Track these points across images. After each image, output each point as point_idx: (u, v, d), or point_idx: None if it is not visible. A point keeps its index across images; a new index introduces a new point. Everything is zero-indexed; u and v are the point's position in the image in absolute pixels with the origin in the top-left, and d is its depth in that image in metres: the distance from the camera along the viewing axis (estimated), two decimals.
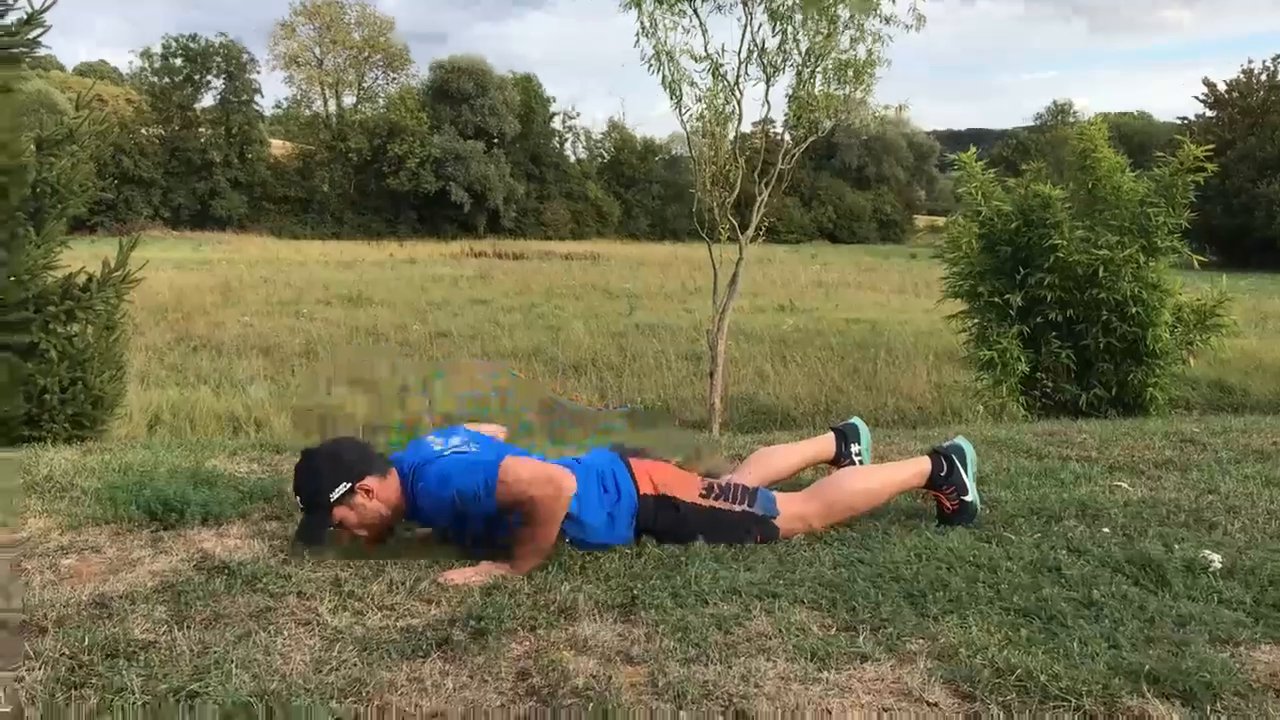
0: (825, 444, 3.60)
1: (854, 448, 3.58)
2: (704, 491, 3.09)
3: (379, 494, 2.90)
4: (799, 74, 10.81)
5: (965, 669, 2.11)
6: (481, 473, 2.79)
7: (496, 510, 2.78)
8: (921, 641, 2.27)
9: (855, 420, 3.70)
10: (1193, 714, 1.95)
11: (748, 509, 3.06)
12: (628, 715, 1.90)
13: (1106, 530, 3.11)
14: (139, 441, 5.52)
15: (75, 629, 2.27)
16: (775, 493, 3.17)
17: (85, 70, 66.40)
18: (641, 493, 3.02)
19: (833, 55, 10.65)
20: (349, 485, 2.85)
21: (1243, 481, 3.74)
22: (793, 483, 3.50)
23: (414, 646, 2.23)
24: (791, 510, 3.10)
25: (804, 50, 10.67)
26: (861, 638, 2.30)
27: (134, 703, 1.93)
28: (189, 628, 2.31)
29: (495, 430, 3.50)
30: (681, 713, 1.92)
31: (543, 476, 2.78)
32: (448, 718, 1.93)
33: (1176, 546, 2.89)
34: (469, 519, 2.84)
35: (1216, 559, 2.76)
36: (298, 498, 2.92)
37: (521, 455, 2.99)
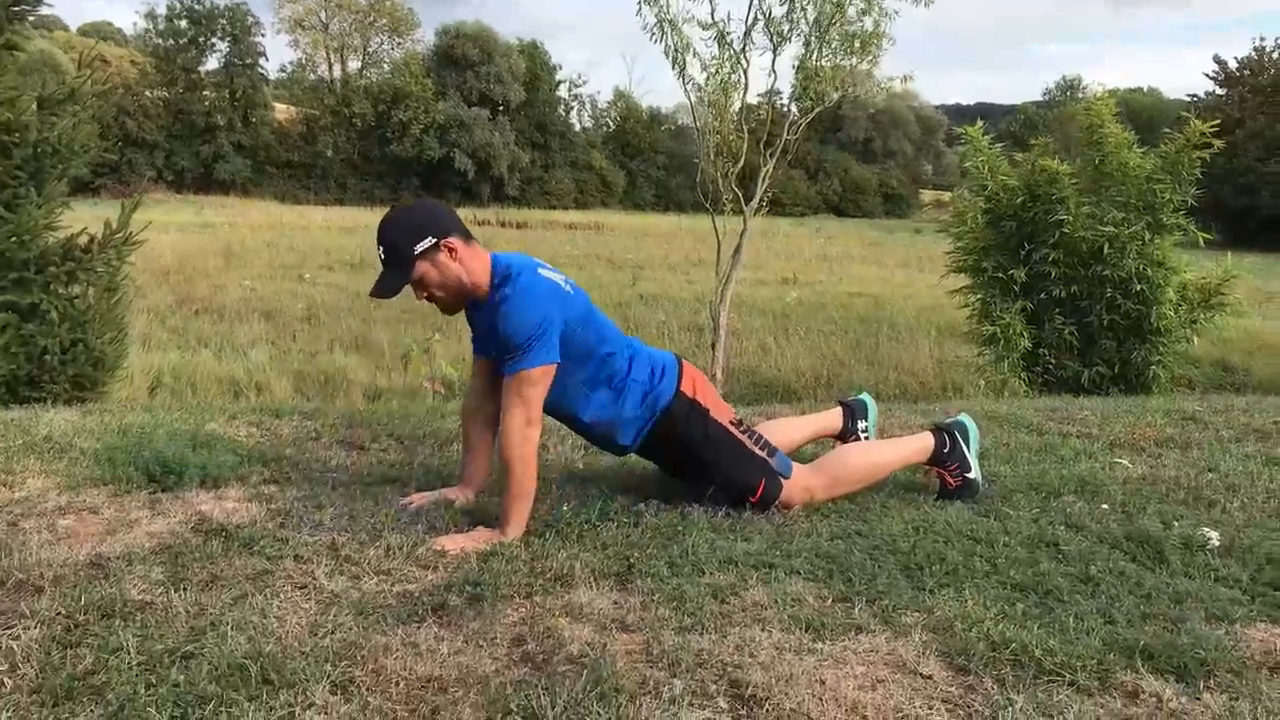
0: (833, 418, 3.60)
1: (861, 424, 3.58)
2: (735, 422, 3.15)
3: (462, 257, 2.87)
4: (806, 44, 10.73)
5: (960, 642, 2.11)
6: (530, 342, 2.79)
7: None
8: (917, 614, 2.28)
9: (864, 396, 3.70)
10: (1186, 690, 1.95)
11: (766, 457, 3.10)
12: (622, 683, 1.90)
13: (1105, 507, 3.11)
14: (139, 404, 5.53)
15: (72, 589, 2.27)
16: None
17: (88, 31, 66.08)
18: (681, 389, 3.09)
19: (840, 25, 10.56)
20: (434, 240, 2.83)
21: (1243, 460, 3.74)
22: (795, 456, 3.50)
23: (410, 611, 2.24)
24: (798, 481, 3.11)
25: (811, 20, 10.59)
26: (857, 609, 2.30)
27: (129, 663, 1.94)
28: (185, 589, 2.32)
29: None
30: (676, 681, 1.93)
31: (531, 404, 2.80)
32: (442, 682, 1.93)
33: (1175, 524, 2.89)
34: (500, 346, 2.86)
35: (1214, 537, 2.76)
36: (380, 249, 2.86)
37: (601, 323, 3.03)
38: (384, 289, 2.86)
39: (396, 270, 2.85)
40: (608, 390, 3.03)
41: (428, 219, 2.88)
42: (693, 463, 3.10)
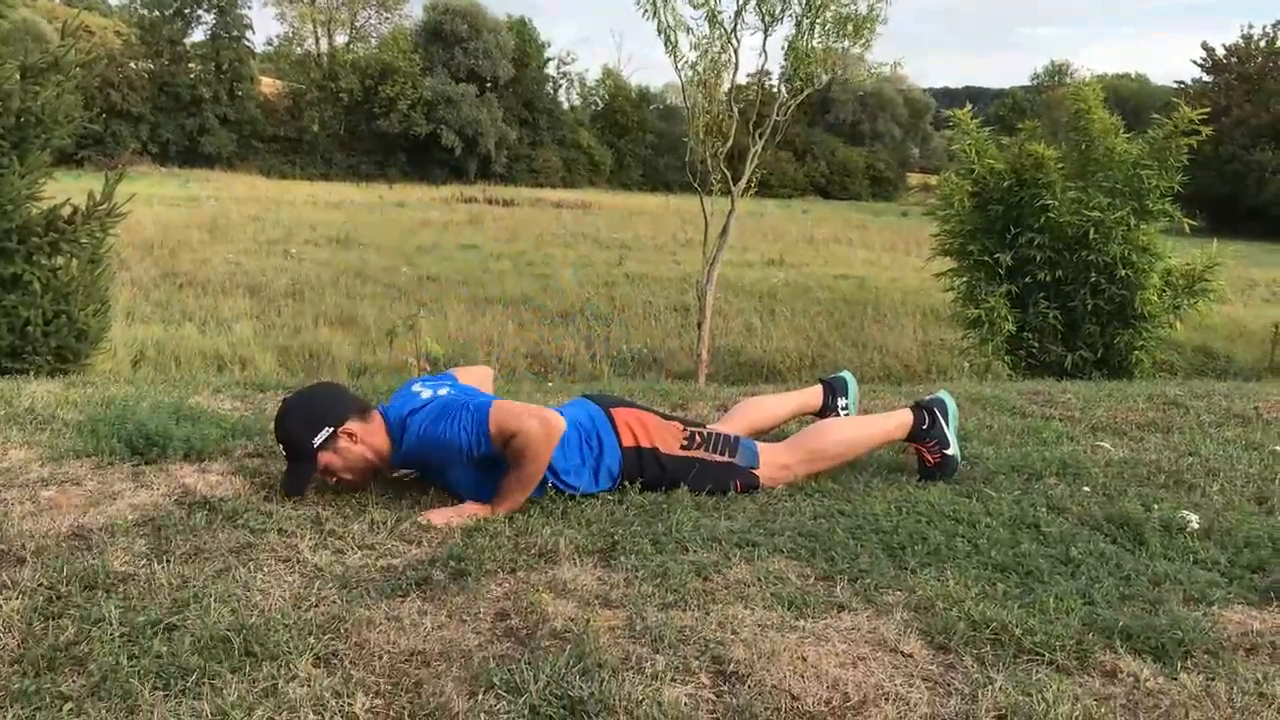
0: (813, 396, 3.60)
1: (841, 401, 3.58)
2: (685, 442, 3.08)
3: (363, 438, 2.87)
4: (798, 24, 10.70)
5: (941, 621, 2.12)
6: (473, 412, 2.78)
7: (490, 448, 2.76)
8: (899, 593, 2.29)
9: (844, 374, 3.70)
10: (1164, 670, 1.97)
11: (729, 459, 3.07)
12: (604, 658, 1.91)
13: (1087, 489, 3.13)
14: (122, 376, 5.50)
15: (54, 560, 2.27)
16: (758, 443, 3.17)
17: (73, 0, 65.34)
18: (624, 445, 3.01)
19: (833, 7, 10.54)
20: (331, 430, 2.82)
21: (1223, 445, 3.76)
22: (777, 434, 3.51)
23: (394, 586, 2.24)
24: (774, 459, 3.11)
25: (803, 1, 10.56)
26: (839, 588, 2.31)
27: (111, 634, 1.93)
28: (168, 561, 2.31)
29: (483, 373, 3.49)
30: (658, 657, 1.93)
31: (534, 411, 2.78)
32: (426, 656, 1.93)
33: (1155, 507, 2.91)
34: (456, 466, 2.83)
35: (1194, 520, 2.78)
36: (280, 446, 2.88)
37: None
38: (292, 486, 2.83)
39: (300, 465, 2.83)
40: (556, 481, 2.91)
41: (323, 409, 2.88)
42: (669, 487, 3.02)
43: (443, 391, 3.03)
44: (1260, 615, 2.24)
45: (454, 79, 55.41)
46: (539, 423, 2.73)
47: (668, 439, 3.07)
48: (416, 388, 3.09)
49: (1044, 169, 9.10)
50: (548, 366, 11.67)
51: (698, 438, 3.10)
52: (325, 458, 2.83)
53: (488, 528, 2.61)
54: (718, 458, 3.06)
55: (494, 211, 33.90)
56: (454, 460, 2.82)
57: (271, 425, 2.95)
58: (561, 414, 3.00)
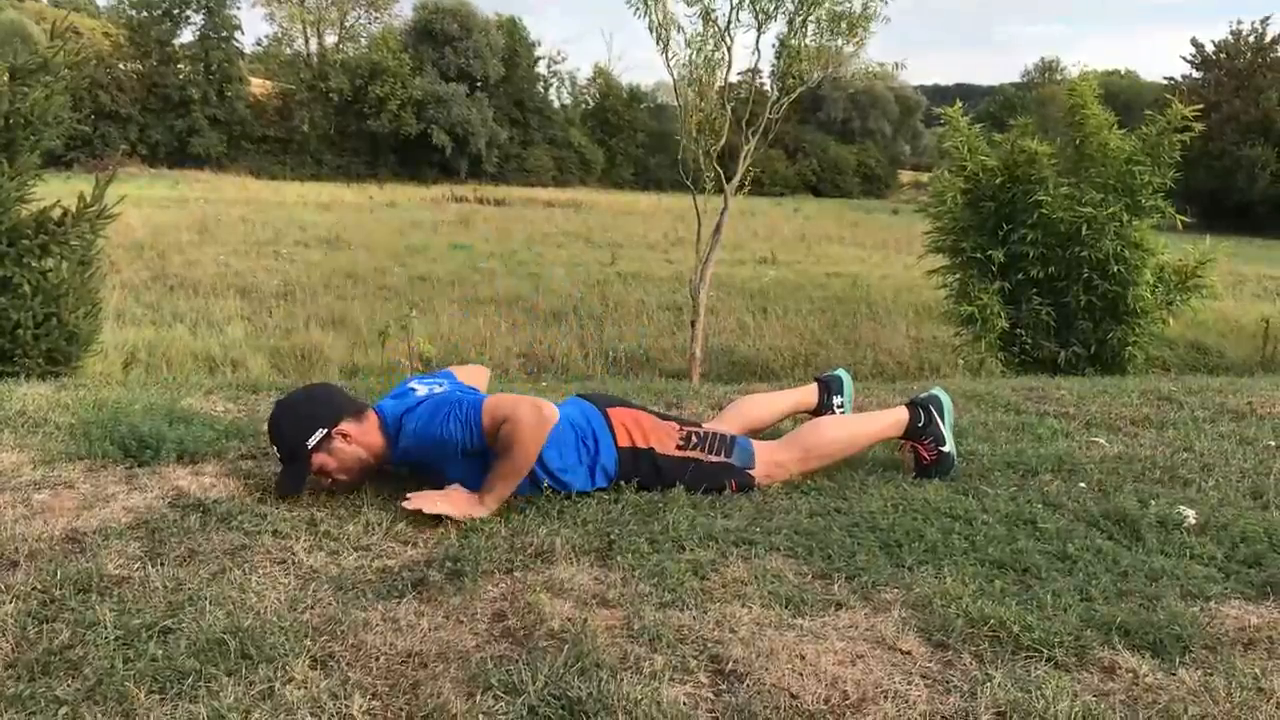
0: (808, 394, 3.59)
1: (836, 399, 3.58)
2: (681, 442, 3.07)
3: (357, 438, 2.86)
4: (790, 23, 10.70)
5: (939, 618, 2.12)
6: (467, 407, 2.77)
7: (484, 441, 2.75)
8: (896, 591, 2.29)
9: (840, 371, 3.69)
10: (1162, 665, 1.97)
11: (725, 459, 3.06)
12: (602, 658, 1.90)
13: (1082, 485, 3.13)
14: (114, 379, 5.48)
15: (47, 563, 2.26)
16: (754, 441, 3.17)
17: (61, 1, 65.07)
18: (620, 445, 3.01)
19: (826, 5, 10.54)
20: (325, 431, 2.81)
21: (1218, 440, 3.77)
22: (772, 432, 3.50)
23: (389, 587, 2.23)
24: (770, 458, 3.10)
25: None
26: (836, 586, 2.31)
27: (106, 637, 1.92)
28: (163, 564, 2.30)
29: (480, 372, 3.48)
30: (656, 656, 1.93)
31: (528, 399, 2.76)
32: (423, 657, 1.92)
33: (1151, 502, 2.91)
34: (453, 462, 2.83)
35: (1190, 515, 2.78)
36: (274, 449, 2.87)
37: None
38: (285, 489, 2.83)
39: (294, 466, 2.82)
40: (551, 480, 2.90)
41: (316, 410, 2.87)
42: (665, 486, 3.01)
43: (438, 389, 3.02)
44: (1257, 610, 2.24)
45: (444, 78, 55.34)
46: (530, 408, 2.72)
47: (664, 439, 3.06)
48: (413, 385, 3.09)
49: (1037, 165, 9.11)
50: (540, 366, 11.65)
51: (694, 437, 3.09)
52: (320, 459, 2.82)
53: (483, 528, 2.61)
54: (714, 458, 3.06)
55: (485, 211, 33.86)
56: (450, 456, 2.81)
57: (265, 427, 2.94)
58: (559, 418, 2.99)
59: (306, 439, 2.79)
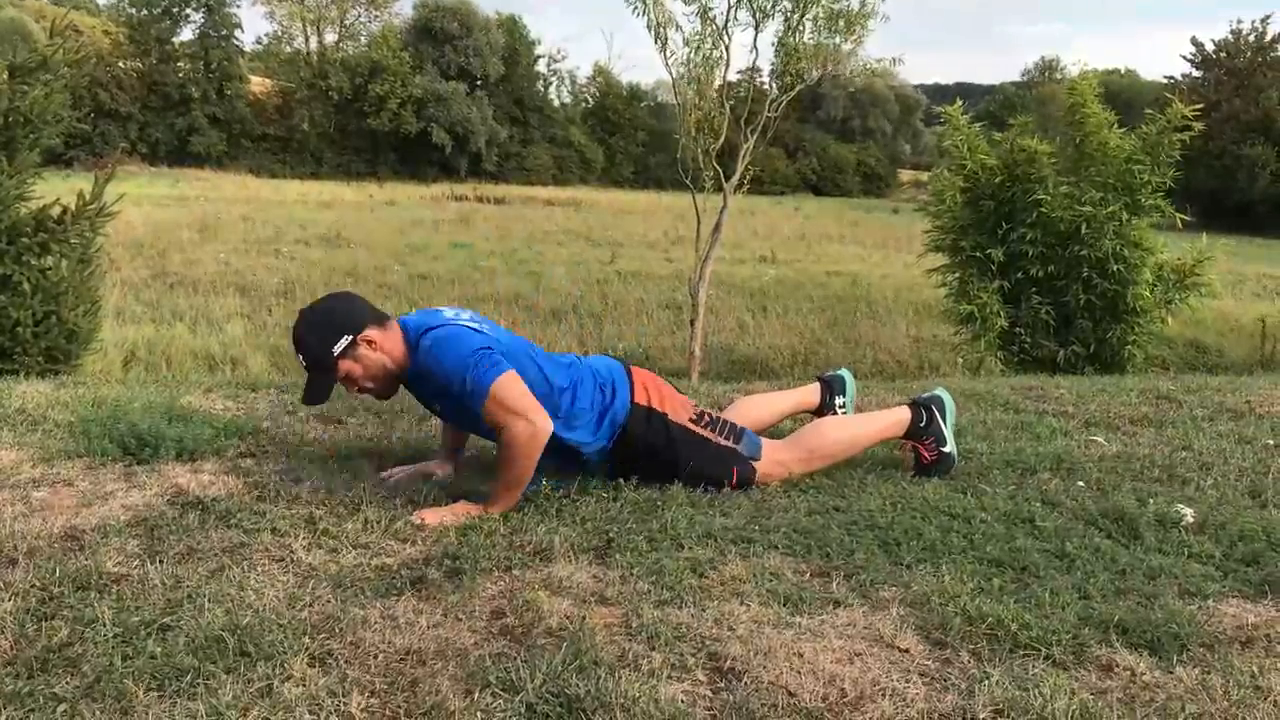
0: (810, 393, 3.60)
1: (839, 399, 3.58)
2: (695, 417, 3.12)
3: (382, 344, 2.87)
4: (788, 21, 10.69)
5: (937, 616, 2.12)
6: (475, 369, 2.76)
7: (478, 415, 2.79)
8: (894, 589, 2.29)
9: (842, 371, 3.70)
10: (1160, 664, 1.97)
11: (733, 445, 3.08)
12: (601, 655, 1.90)
13: (1081, 484, 3.14)
14: (113, 377, 5.48)
15: (46, 561, 2.26)
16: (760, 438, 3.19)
17: None
18: (636, 400, 3.05)
19: (824, 3, 10.54)
20: (351, 337, 2.82)
21: (1216, 439, 3.77)
22: (772, 431, 3.50)
23: (388, 584, 2.23)
24: (772, 456, 3.11)
25: None
26: (835, 584, 2.31)
27: (105, 634, 1.92)
28: (162, 562, 2.30)
29: None
30: (654, 654, 1.93)
31: (526, 409, 2.76)
32: (421, 655, 1.93)
33: (1150, 501, 2.92)
34: (450, 399, 2.86)
35: (1188, 514, 2.79)
36: (300, 357, 2.87)
37: (526, 359, 2.95)
38: (313, 396, 2.87)
39: (320, 375, 2.84)
40: (558, 421, 2.91)
41: (341, 317, 2.87)
42: (661, 465, 3.04)
43: (465, 316, 3.01)
44: (1255, 609, 2.24)
45: (444, 77, 55.30)
46: (525, 425, 2.73)
47: (679, 409, 3.12)
48: (443, 307, 3.08)
49: (1036, 164, 9.11)
50: None
51: (707, 416, 3.15)
52: (346, 366, 2.84)
53: (482, 526, 2.61)
54: (723, 441, 3.09)
55: (485, 210, 33.81)
56: (449, 394, 2.84)
57: (290, 339, 2.92)
58: (582, 360, 3.08)
59: (333, 346, 2.81)
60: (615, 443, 3.05)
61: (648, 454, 3.04)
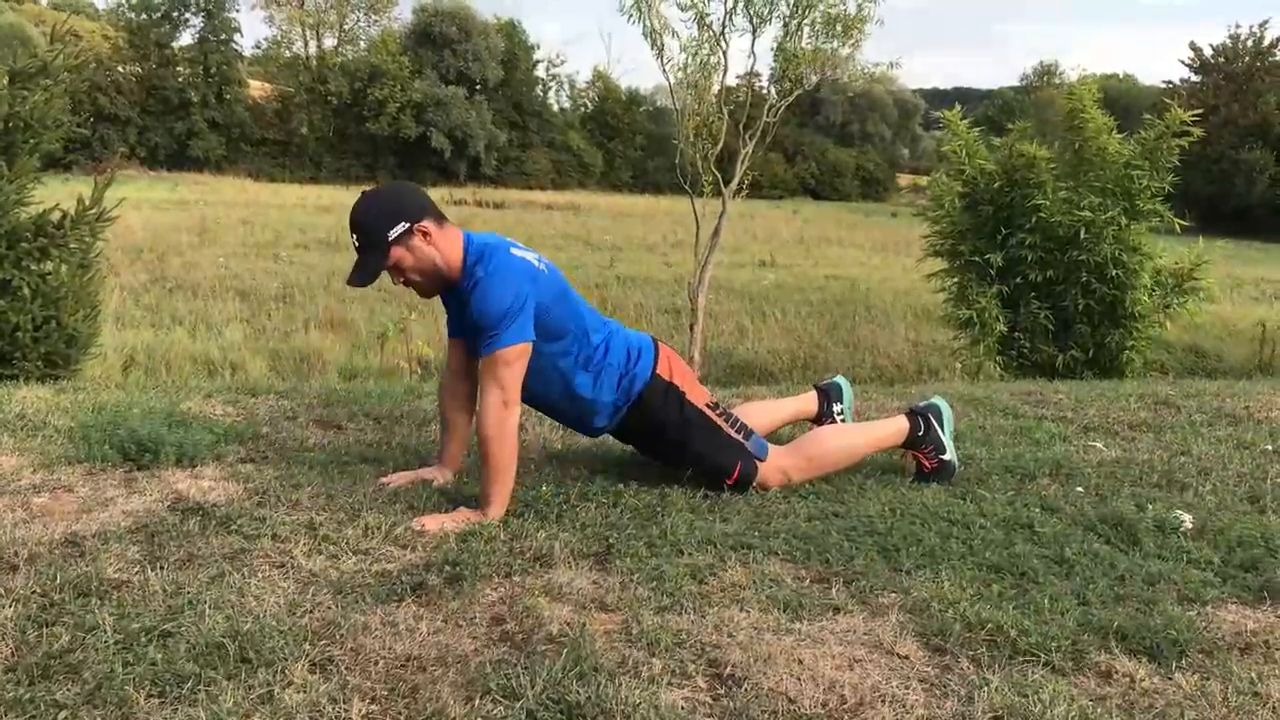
0: (808, 402, 3.61)
1: (836, 406, 3.59)
2: (711, 404, 3.16)
3: (437, 239, 2.86)
4: (786, 26, 10.72)
5: (937, 622, 2.13)
6: (502, 323, 2.78)
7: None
8: (894, 595, 2.29)
9: (839, 379, 3.71)
10: (1159, 670, 1.98)
11: (742, 440, 3.12)
12: (601, 662, 1.91)
13: (1080, 489, 3.14)
14: (113, 382, 5.48)
15: (47, 567, 2.26)
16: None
17: (60, 4, 65.07)
18: (658, 372, 3.10)
19: (821, 8, 10.56)
20: (407, 225, 2.81)
21: (1215, 444, 3.78)
22: (772, 439, 3.51)
23: (388, 591, 2.23)
24: (774, 462, 3.12)
25: (791, 1, 10.57)
26: (834, 590, 2.32)
27: (106, 641, 1.92)
28: (162, 568, 2.30)
29: None
30: (654, 660, 1.93)
31: (508, 387, 2.78)
32: (422, 661, 1.93)
33: (1149, 507, 2.92)
34: (478, 333, 2.86)
35: (1187, 519, 2.79)
36: (353, 235, 2.87)
37: (575, 303, 3.03)
38: (361, 276, 2.86)
39: (372, 256, 2.84)
40: (584, 372, 3.03)
41: (401, 203, 2.88)
42: (668, 444, 3.11)
43: (530, 256, 2.99)
44: (1254, 615, 2.25)
45: (443, 81, 55.36)
46: (499, 398, 2.78)
47: (697, 393, 3.17)
48: (510, 240, 3.06)
49: (1035, 169, 9.12)
50: None
51: (721, 406, 3.20)
52: (398, 253, 2.83)
53: (482, 532, 2.61)
54: (734, 433, 3.12)
55: (484, 214, 33.84)
56: (477, 327, 2.84)
57: (348, 217, 2.90)
58: (617, 331, 3.13)
59: (389, 229, 2.81)
60: (630, 409, 3.10)
61: (657, 428, 3.10)
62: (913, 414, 3.33)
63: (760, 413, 3.53)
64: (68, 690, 1.77)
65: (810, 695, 1.84)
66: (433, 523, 2.67)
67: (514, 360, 2.81)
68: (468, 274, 2.89)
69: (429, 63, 55.76)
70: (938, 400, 3.41)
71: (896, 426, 3.31)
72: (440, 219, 2.91)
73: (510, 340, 2.79)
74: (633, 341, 3.15)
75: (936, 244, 9.81)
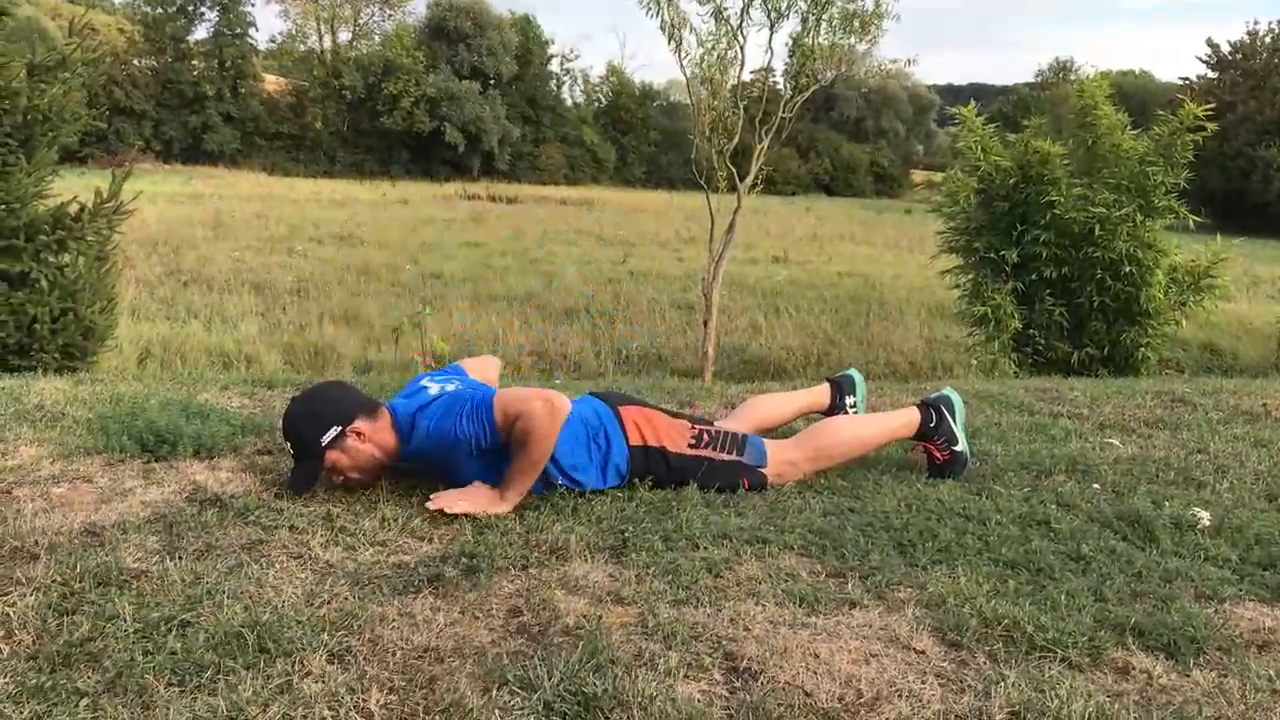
0: (820, 394, 3.60)
1: (849, 399, 3.58)
2: (693, 441, 3.07)
3: (370, 436, 2.86)
4: (804, 21, 10.69)
5: (953, 618, 2.12)
6: (478, 404, 2.78)
7: (497, 439, 2.76)
8: (910, 590, 2.29)
9: (851, 372, 3.70)
10: (1176, 667, 1.97)
11: (737, 458, 3.07)
12: (617, 654, 1.91)
13: (1096, 486, 3.13)
14: (130, 374, 5.51)
15: (67, 556, 2.27)
16: (765, 440, 3.18)
17: None
18: (631, 443, 3.01)
19: (839, 4, 10.53)
20: (339, 429, 2.82)
21: (1232, 442, 3.76)
22: (783, 431, 3.51)
23: (406, 582, 2.24)
24: (782, 457, 3.11)
25: None
26: (850, 584, 2.32)
27: (126, 630, 1.94)
28: (181, 558, 2.32)
29: (490, 364, 3.48)
30: (671, 653, 1.94)
31: (538, 392, 2.77)
32: (439, 652, 1.94)
33: (1165, 504, 2.91)
34: (465, 460, 2.84)
35: (1205, 517, 2.78)
36: (288, 445, 2.87)
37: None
38: (297, 485, 2.83)
39: (307, 464, 2.82)
40: (569, 475, 2.93)
41: (333, 408, 2.87)
42: (678, 484, 3.03)
43: (450, 387, 3.03)
44: (1272, 612, 2.24)
45: (457, 76, 55.44)
46: (543, 403, 2.73)
47: (675, 438, 3.07)
48: (425, 383, 3.09)
49: (1050, 166, 9.09)
50: (552, 364, 11.67)
51: (705, 436, 3.10)
52: (333, 456, 2.83)
53: (499, 525, 2.62)
54: (725, 456, 3.06)
55: (497, 209, 33.90)
56: (462, 454, 2.82)
57: (279, 425, 2.95)
58: (571, 416, 2.98)
59: (320, 436, 2.80)
60: (625, 483, 3.02)
61: (655, 481, 3.02)
62: (924, 405, 3.31)
63: (772, 405, 3.52)
64: (88, 678, 1.78)
65: (826, 689, 1.84)
66: (448, 500, 2.68)
67: (508, 391, 2.81)
68: (407, 443, 2.89)
69: (443, 57, 55.85)
70: (949, 391, 3.40)
71: (907, 418, 3.30)
72: (373, 411, 2.90)
73: (490, 394, 2.80)
74: (592, 422, 3.02)
75: (951, 240, 9.80)
